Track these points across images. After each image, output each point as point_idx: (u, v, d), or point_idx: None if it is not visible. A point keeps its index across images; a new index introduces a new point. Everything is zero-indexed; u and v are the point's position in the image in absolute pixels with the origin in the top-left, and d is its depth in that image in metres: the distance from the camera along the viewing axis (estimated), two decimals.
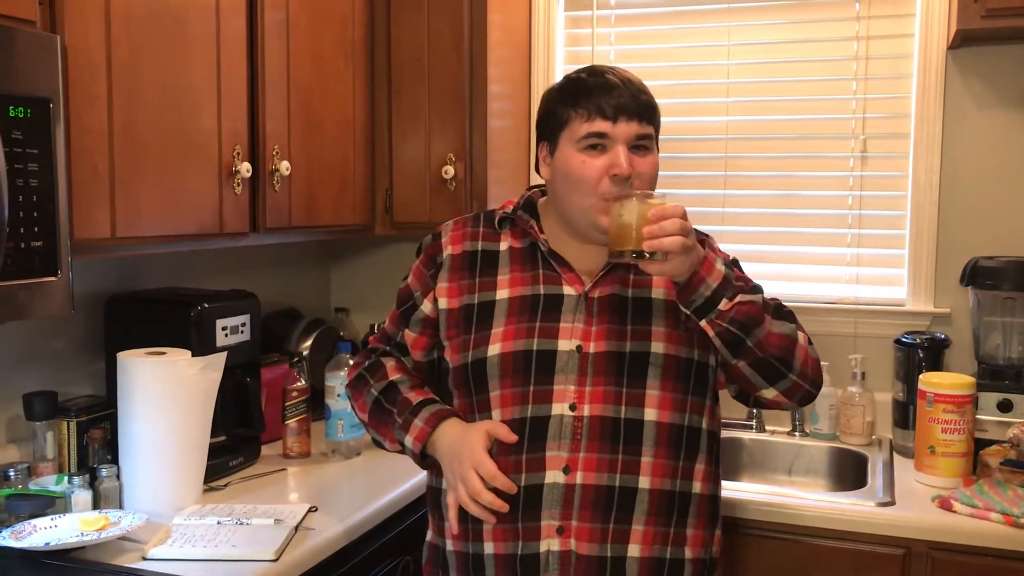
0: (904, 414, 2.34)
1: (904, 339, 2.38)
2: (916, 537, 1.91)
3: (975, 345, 2.36)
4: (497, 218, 1.69)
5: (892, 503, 2.01)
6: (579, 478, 1.50)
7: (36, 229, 1.47)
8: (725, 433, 2.53)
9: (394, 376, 1.70)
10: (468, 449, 1.52)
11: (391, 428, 1.65)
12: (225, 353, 1.95)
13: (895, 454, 2.36)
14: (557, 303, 1.58)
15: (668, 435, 1.53)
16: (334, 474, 2.17)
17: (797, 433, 2.55)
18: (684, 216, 1.40)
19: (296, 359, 2.36)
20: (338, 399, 2.25)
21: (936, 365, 2.33)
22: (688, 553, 1.55)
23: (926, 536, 1.91)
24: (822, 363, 2.43)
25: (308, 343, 2.65)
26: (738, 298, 1.43)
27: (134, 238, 1.76)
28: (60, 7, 1.55)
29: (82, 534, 1.63)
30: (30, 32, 1.47)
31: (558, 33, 2.84)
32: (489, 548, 1.54)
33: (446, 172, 2.49)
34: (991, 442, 2.14)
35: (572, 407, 1.52)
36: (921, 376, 2.17)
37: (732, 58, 2.70)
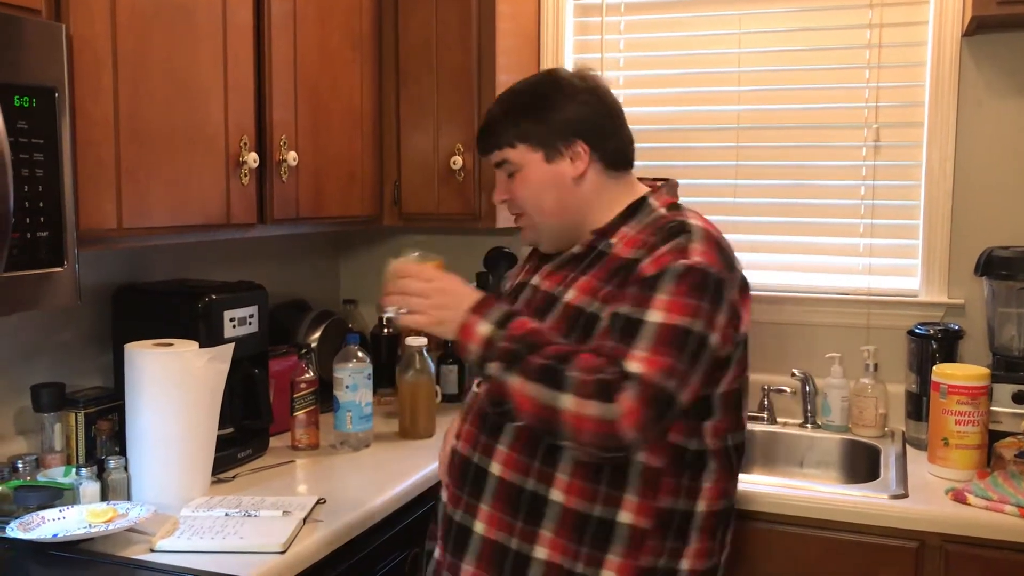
0: (917, 406, 2.32)
1: (917, 330, 2.36)
2: (930, 530, 1.89)
3: (989, 336, 2.33)
4: None
5: (905, 495, 1.99)
6: (459, 446, 1.66)
7: (42, 219, 1.47)
8: None
9: None
10: None
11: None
12: (232, 344, 1.94)
13: (908, 446, 2.33)
14: (520, 291, 1.75)
15: (527, 432, 1.54)
16: (343, 466, 2.16)
17: (809, 425, 2.53)
18: (429, 279, 1.54)
19: (304, 351, 2.35)
20: (346, 391, 2.25)
21: (950, 356, 2.30)
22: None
23: (940, 529, 1.89)
24: (833, 355, 2.46)
25: (316, 335, 2.64)
26: (493, 368, 1.46)
27: (141, 229, 1.75)
28: None
29: (90, 526, 1.63)
30: (35, 21, 1.46)
31: (567, 22, 2.82)
32: None
33: (454, 163, 2.47)
34: (1006, 434, 2.11)
35: (478, 385, 1.67)
36: (935, 367, 2.15)
37: (743, 47, 2.67)
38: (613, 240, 1.59)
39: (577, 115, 1.62)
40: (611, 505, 1.50)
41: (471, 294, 1.53)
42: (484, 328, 1.47)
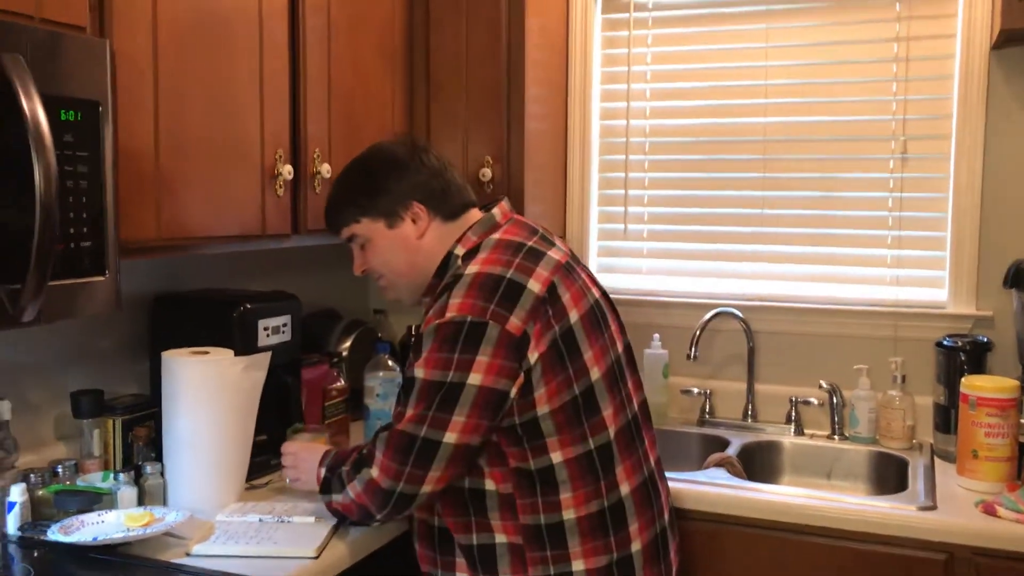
0: (946, 418, 2.32)
1: (945, 342, 2.36)
2: (959, 542, 1.89)
3: (1019, 348, 2.32)
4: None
5: (934, 507, 1.98)
6: None
7: (85, 230, 1.51)
8: (764, 436, 2.54)
9: None
10: None
11: None
12: (270, 353, 1.98)
13: (936, 458, 2.33)
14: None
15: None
16: None
17: (836, 436, 2.53)
18: (291, 452, 1.89)
19: (336, 359, 2.39)
20: (377, 399, 2.28)
21: (978, 368, 2.30)
22: None
23: (969, 541, 1.88)
24: (860, 366, 2.46)
25: (347, 344, 2.67)
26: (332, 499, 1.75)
27: (179, 239, 1.79)
28: (109, 13, 1.59)
29: (128, 530, 1.66)
30: (81, 37, 1.51)
31: (596, 36, 2.85)
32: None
33: (483, 175, 2.50)
34: None
35: None
36: (963, 379, 2.15)
37: (770, 60, 2.68)
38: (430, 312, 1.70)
39: (409, 183, 1.80)
40: (484, 531, 1.68)
41: (317, 455, 1.82)
42: (323, 473, 1.78)
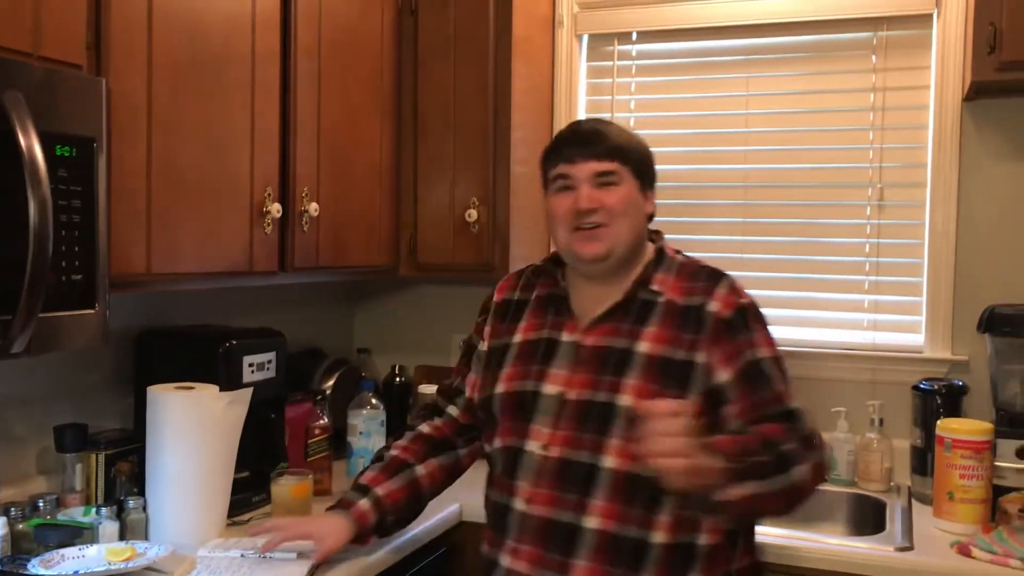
0: (922, 460, 2.35)
1: (922, 386, 2.40)
2: None
3: (993, 392, 2.37)
4: (533, 270, 1.88)
5: (911, 548, 2.01)
6: (535, 509, 1.65)
7: (76, 263, 1.53)
8: None
9: (389, 451, 1.91)
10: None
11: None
12: (251, 388, 1.99)
13: (913, 500, 2.35)
14: (554, 348, 1.74)
15: (625, 483, 1.60)
16: None
17: None
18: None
19: (319, 397, 2.40)
20: (360, 437, 2.29)
21: (954, 412, 2.33)
22: None
23: None
24: (839, 409, 2.50)
25: (331, 382, 2.69)
26: (732, 492, 1.48)
27: (168, 274, 1.82)
28: (106, 52, 1.63)
29: (109, 564, 1.66)
30: (78, 75, 1.55)
31: (580, 82, 2.91)
32: (485, 549, 1.76)
33: (469, 215, 2.54)
34: (1010, 489, 2.13)
35: (544, 447, 1.67)
36: (939, 422, 2.18)
37: (750, 108, 2.75)
38: (655, 287, 1.72)
39: (656, 172, 1.82)
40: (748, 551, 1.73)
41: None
42: (718, 461, 1.47)
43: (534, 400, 1.70)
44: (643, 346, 1.66)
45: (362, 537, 1.80)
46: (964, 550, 1.95)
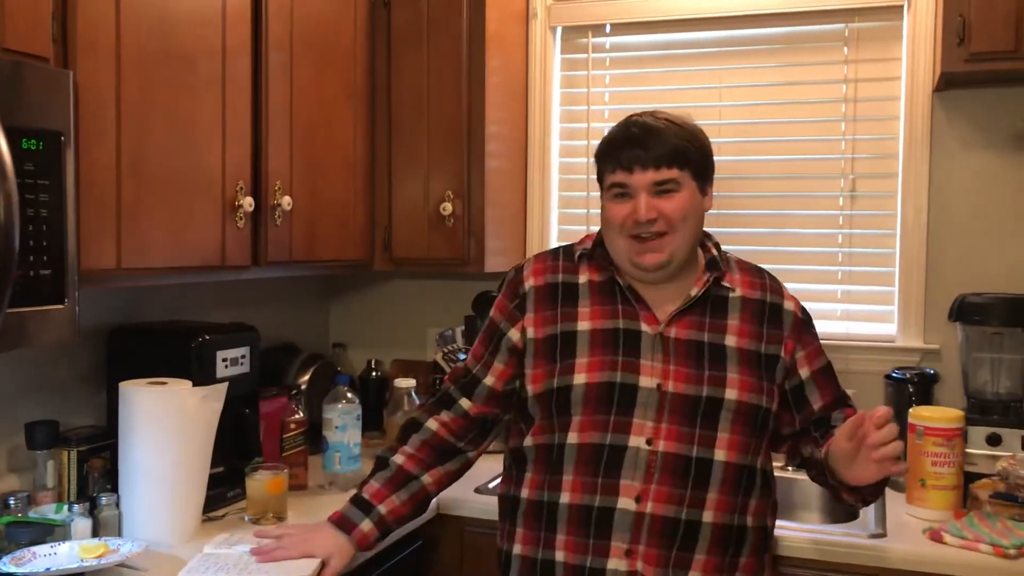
0: None
1: (894, 374, 2.42)
2: (908, 568, 1.92)
3: (964, 380, 2.39)
4: (577, 253, 1.82)
5: (884, 535, 2.02)
6: (649, 508, 1.64)
7: (45, 258, 1.52)
8: None
9: (394, 457, 1.84)
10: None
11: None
12: (226, 384, 1.98)
13: (887, 488, 2.37)
14: (636, 339, 1.71)
15: (734, 475, 1.67)
16: (331, 506, 2.17)
17: (790, 468, 2.56)
18: None
19: (295, 392, 2.39)
20: (336, 431, 2.28)
21: (926, 400, 2.36)
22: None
23: (918, 567, 1.92)
24: None
25: (306, 377, 2.68)
26: None
27: (139, 269, 1.80)
28: (72, 45, 1.61)
29: (81, 561, 1.65)
30: (44, 68, 1.53)
31: (555, 75, 2.91)
32: (560, 556, 1.68)
33: (444, 209, 2.54)
34: (981, 475, 2.16)
35: (648, 441, 1.65)
36: (911, 410, 2.20)
37: (724, 99, 2.76)
38: (727, 283, 1.76)
39: (714, 160, 1.80)
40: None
41: None
42: None
43: (631, 393, 1.67)
44: (731, 340, 1.71)
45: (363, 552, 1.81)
46: (936, 536, 1.97)
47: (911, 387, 2.37)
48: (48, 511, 1.83)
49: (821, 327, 2.61)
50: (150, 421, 1.86)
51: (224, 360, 2.10)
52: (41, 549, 1.68)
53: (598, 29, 2.87)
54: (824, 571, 1.98)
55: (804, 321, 1.80)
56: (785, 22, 2.69)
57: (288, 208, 2.17)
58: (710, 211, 2.69)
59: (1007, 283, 2.43)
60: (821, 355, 1.82)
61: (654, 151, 1.67)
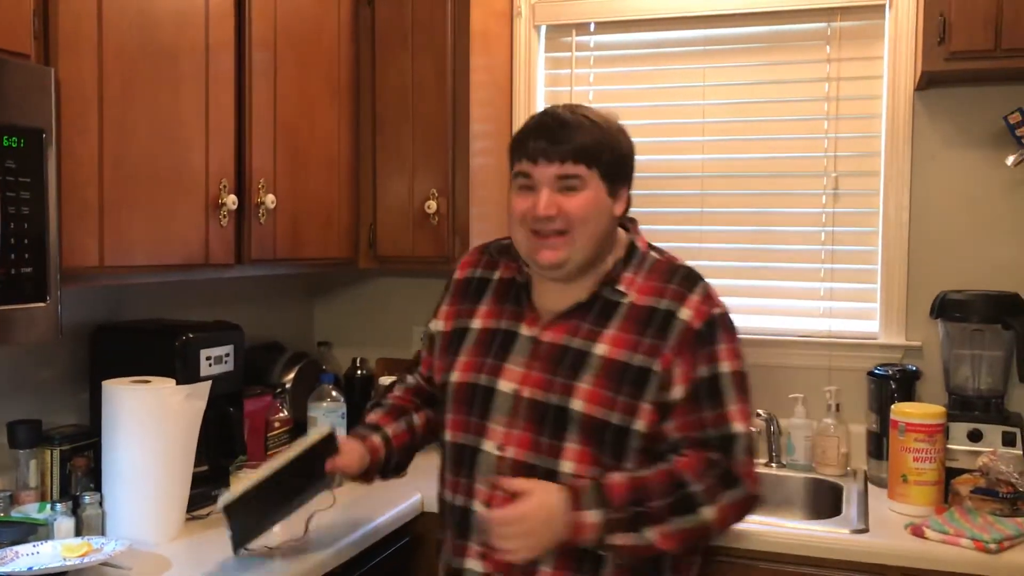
0: (878, 445, 2.38)
1: (877, 371, 2.44)
2: (890, 563, 1.94)
3: (945, 377, 2.41)
4: (497, 248, 1.81)
5: (866, 530, 2.04)
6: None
7: (26, 256, 1.51)
8: None
9: (385, 399, 1.90)
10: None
11: None
12: (210, 382, 1.97)
13: (869, 484, 2.39)
14: (511, 341, 1.68)
15: None
16: (315, 504, 2.18)
17: (774, 464, 2.58)
18: (516, 520, 1.52)
19: (279, 391, 2.38)
20: None
21: (908, 396, 2.38)
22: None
23: (899, 562, 1.94)
24: (796, 395, 2.53)
25: (291, 376, 2.67)
26: (618, 539, 1.52)
27: (122, 267, 1.79)
28: (54, 41, 1.60)
29: (64, 560, 1.64)
30: (25, 65, 1.52)
31: (539, 74, 2.92)
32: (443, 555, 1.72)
33: (428, 207, 2.54)
34: (962, 471, 2.18)
35: (500, 447, 1.62)
36: (893, 406, 2.22)
37: (708, 98, 2.77)
38: (622, 287, 1.66)
39: (633, 164, 1.72)
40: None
41: (556, 501, 1.51)
42: (592, 517, 1.50)
43: (489, 396, 1.65)
44: (601, 348, 1.61)
45: (369, 473, 1.78)
46: (917, 531, 1.99)
47: (893, 384, 2.38)
48: (31, 510, 1.83)
49: (804, 325, 2.67)
50: (134, 420, 1.86)
51: (208, 359, 2.09)
52: (24, 548, 1.68)
53: (582, 28, 2.87)
54: (807, 567, 2.00)
55: (698, 333, 1.60)
56: (768, 21, 2.70)
57: (272, 206, 2.16)
58: (693, 209, 2.77)
59: (988, 280, 2.45)
60: (699, 371, 1.59)
61: (561, 145, 1.60)
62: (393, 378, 2.43)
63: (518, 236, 1.67)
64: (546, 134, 1.62)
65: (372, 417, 1.84)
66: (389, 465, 1.81)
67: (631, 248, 1.71)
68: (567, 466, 1.57)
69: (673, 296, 1.63)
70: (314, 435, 1.75)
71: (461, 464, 1.66)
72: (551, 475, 1.57)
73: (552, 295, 1.69)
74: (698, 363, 1.59)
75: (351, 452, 1.74)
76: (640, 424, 1.58)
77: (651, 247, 1.75)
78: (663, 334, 1.60)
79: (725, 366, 1.60)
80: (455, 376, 1.71)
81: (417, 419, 1.86)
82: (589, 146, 1.62)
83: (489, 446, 1.63)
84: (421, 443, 1.88)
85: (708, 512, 1.54)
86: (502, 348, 1.68)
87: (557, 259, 1.62)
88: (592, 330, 1.63)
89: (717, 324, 1.62)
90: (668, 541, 1.53)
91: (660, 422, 1.59)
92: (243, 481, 1.75)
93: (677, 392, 1.58)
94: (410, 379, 1.93)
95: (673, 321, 1.60)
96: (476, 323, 1.75)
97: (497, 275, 1.78)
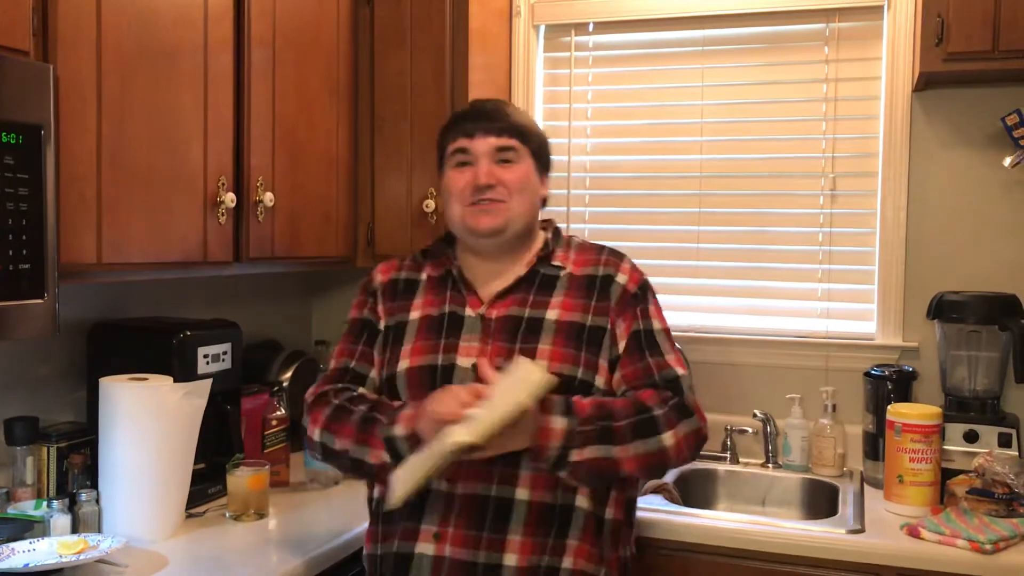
0: (874, 445, 2.39)
1: (873, 372, 2.44)
2: (885, 564, 1.95)
3: (942, 378, 2.42)
4: (422, 252, 1.90)
5: (862, 531, 2.04)
6: (459, 488, 1.63)
7: (24, 252, 1.51)
8: (700, 464, 2.58)
9: (373, 397, 1.78)
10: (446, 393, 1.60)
11: (377, 430, 1.67)
12: (210, 380, 1.97)
13: (866, 485, 2.40)
14: (459, 323, 1.75)
15: None
16: (313, 502, 2.19)
17: (770, 465, 2.58)
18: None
19: (277, 388, 2.38)
20: None
21: (904, 397, 2.38)
22: (566, 563, 1.63)
23: (895, 563, 1.94)
24: (793, 396, 2.54)
25: (288, 374, 2.66)
26: (586, 452, 1.59)
27: (119, 264, 1.79)
28: (53, 38, 1.60)
29: (60, 557, 1.64)
30: (23, 61, 1.52)
31: (538, 73, 2.92)
32: (394, 547, 1.68)
33: (427, 206, 2.54)
34: (958, 472, 2.18)
35: None
36: (889, 407, 2.22)
37: (706, 98, 2.77)
38: (557, 262, 1.80)
39: (551, 158, 1.90)
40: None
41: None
42: (559, 424, 1.59)
43: (448, 373, 1.69)
44: (553, 313, 1.72)
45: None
46: (913, 532, 1.99)
47: (890, 384, 2.39)
48: (27, 507, 1.83)
49: (801, 325, 2.67)
50: (131, 417, 1.86)
51: (206, 356, 2.09)
52: (20, 545, 1.68)
53: (581, 27, 2.88)
54: (803, 567, 2.00)
55: (634, 295, 1.76)
56: (766, 21, 2.70)
57: (270, 204, 2.16)
58: (691, 209, 2.77)
59: (985, 282, 2.46)
60: (638, 325, 1.73)
61: (497, 122, 1.77)
62: None
63: (455, 211, 1.78)
64: (481, 114, 1.79)
65: (367, 398, 1.76)
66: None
67: (556, 231, 1.88)
68: None
69: (607, 264, 1.79)
70: (536, 375, 1.56)
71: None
72: None
73: (487, 277, 1.79)
74: (636, 318, 1.74)
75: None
76: (599, 380, 1.70)
77: (571, 236, 1.90)
78: (605, 295, 1.75)
79: (657, 323, 1.76)
80: (404, 364, 1.73)
81: None
82: (523, 124, 1.80)
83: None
84: None
85: (667, 438, 1.63)
86: (451, 329, 1.75)
87: (496, 224, 1.74)
88: (539, 300, 1.75)
89: (647, 288, 1.80)
90: (630, 463, 1.61)
91: (612, 378, 1.72)
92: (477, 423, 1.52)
93: (621, 346, 1.72)
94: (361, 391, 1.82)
95: (612, 285, 1.76)
96: (415, 314, 1.79)
97: (425, 275, 1.85)
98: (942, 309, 2.37)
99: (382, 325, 1.83)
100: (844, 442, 2.51)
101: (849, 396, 2.56)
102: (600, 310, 1.73)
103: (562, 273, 1.78)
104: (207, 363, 2.09)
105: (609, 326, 1.72)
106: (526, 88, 2.89)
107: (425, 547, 1.63)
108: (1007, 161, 2.38)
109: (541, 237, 1.86)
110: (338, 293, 3.12)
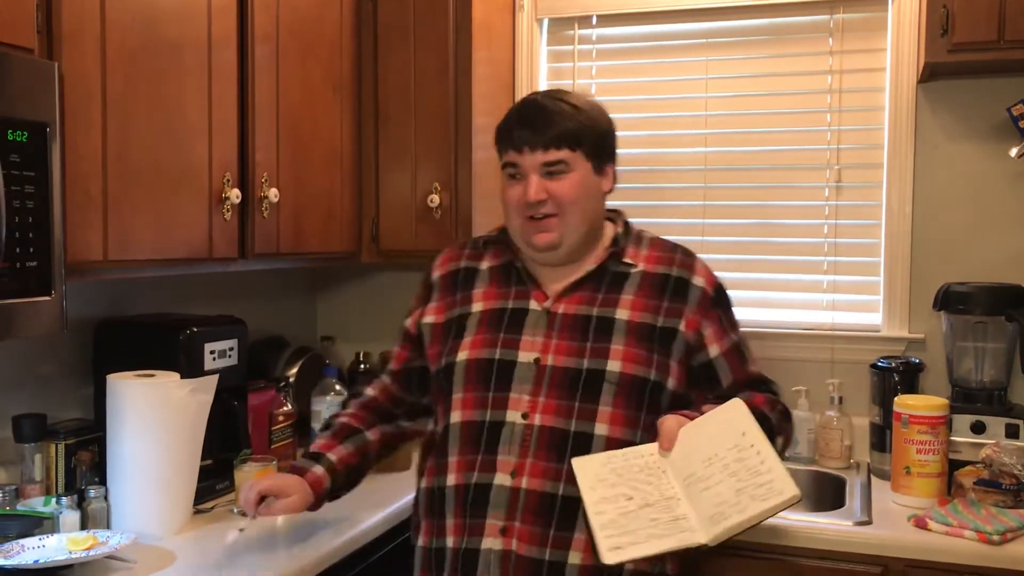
0: (881, 437, 2.39)
1: (880, 364, 2.44)
2: (893, 555, 1.95)
3: (948, 369, 2.41)
4: (482, 240, 1.85)
5: (869, 522, 2.04)
6: (524, 483, 1.60)
7: (31, 249, 1.51)
8: None
9: (337, 419, 1.90)
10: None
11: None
12: (217, 376, 1.98)
13: (873, 476, 2.40)
14: (522, 316, 1.72)
15: (617, 448, 1.61)
16: None
17: None
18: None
19: (283, 384, 2.39)
20: None
21: (911, 389, 2.38)
22: (628, 564, 1.56)
23: (903, 554, 1.94)
24: (799, 388, 2.54)
25: (294, 370, 2.67)
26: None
27: (125, 261, 1.79)
28: (58, 35, 1.60)
29: (70, 553, 1.64)
30: (29, 59, 1.52)
31: (541, 67, 2.91)
32: (449, 542, 1.64)
33: (431, 201, 2.54)
34: (965, 463, 2.18)
35: (524, 416, 1.63)
36: (896, 398, 2.22)
37: (710, 91, 2.77)
38: (627, 259, 1.76)
39: (615, 139, 1.82)
40: None
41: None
42: None
43: (508, 368, 1.66)
44: (623, 313, 1.68)
45: (316, 504, 1.78)
46: (920, 523, 1.99)
47: (896, 376, 2.39)
48: (36, 504, 1.83)
49: (807, 317, 2.67)
50: (138, 414, 1.86)
51: (212, 352, 2.09)
52: (29, 542, 1.68)
53: (584, 21, 2.87)
54: (811, 558, 2.00)
55: (714, 299, 1.74)
56: (770, 13, 2.70)
57: (275, 200, 2.16)
58: (696, 202, 2.77)
59: (991, 272, 2.45)
60: (730, 334, 1.75)
61: (544, 133, 1.69)
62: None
63: (514, 224, 1.75)
64: (529, 124, 1.71)
65: (316, 445, 1.84)
66: (336, 489, 1.82)
67: (626, 226, 1.82)
68: (601, 428, 1.62)
69: (681, 265, 1.76)
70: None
71: (477, 441, 1.65)
72: (584, 438, 1.61)
73: (556, 273, 1.75)
74: (723, 324, 1.73)
75: (298, 490, 1.73)
76: (671, 382, 1.68)
77: (642, 231, 1.85)
78: (680, 297, 1.72)
79: (741, 331, 1.78)
80: (464, 355, 1.71)
81: (371, 436, 1.86)
82: (571, 130, 1.70)
83: (513, 416, 1.64)
84: (375, 459, 1.89)
85: (779, 443, 1.67)
86: (514, 323, 1.72)
87: (551, 240, 1.71)
88: (608, 298, 1.71)
89: (723, 289, 1.78)
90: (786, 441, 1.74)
91: (687, 381, 1.70)
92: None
93: (714, 350, 1.71)
94: (369, 391, 1.91)
95: (688, 287, 1.73)
96: (477, 307, 1.77)
97: (486, 264, 1.82)
98: (948, 300, 2.36)
99: (428, 320, 1.82)
100: (851, 434, 2.51)
101: (855, 388, 2.56)
102: (672, 311, 1.70)
103: (633, 271, 1.74)
104: (214, 359, 2.10)
105: (683, 327, 1.69)
106: (530, 82, 2.89)
107: (492, 542, 1.59)
108: (1013, 152, 2.38)
109: (610, 230, 1.81)
110: (343, 288, 3.12)
